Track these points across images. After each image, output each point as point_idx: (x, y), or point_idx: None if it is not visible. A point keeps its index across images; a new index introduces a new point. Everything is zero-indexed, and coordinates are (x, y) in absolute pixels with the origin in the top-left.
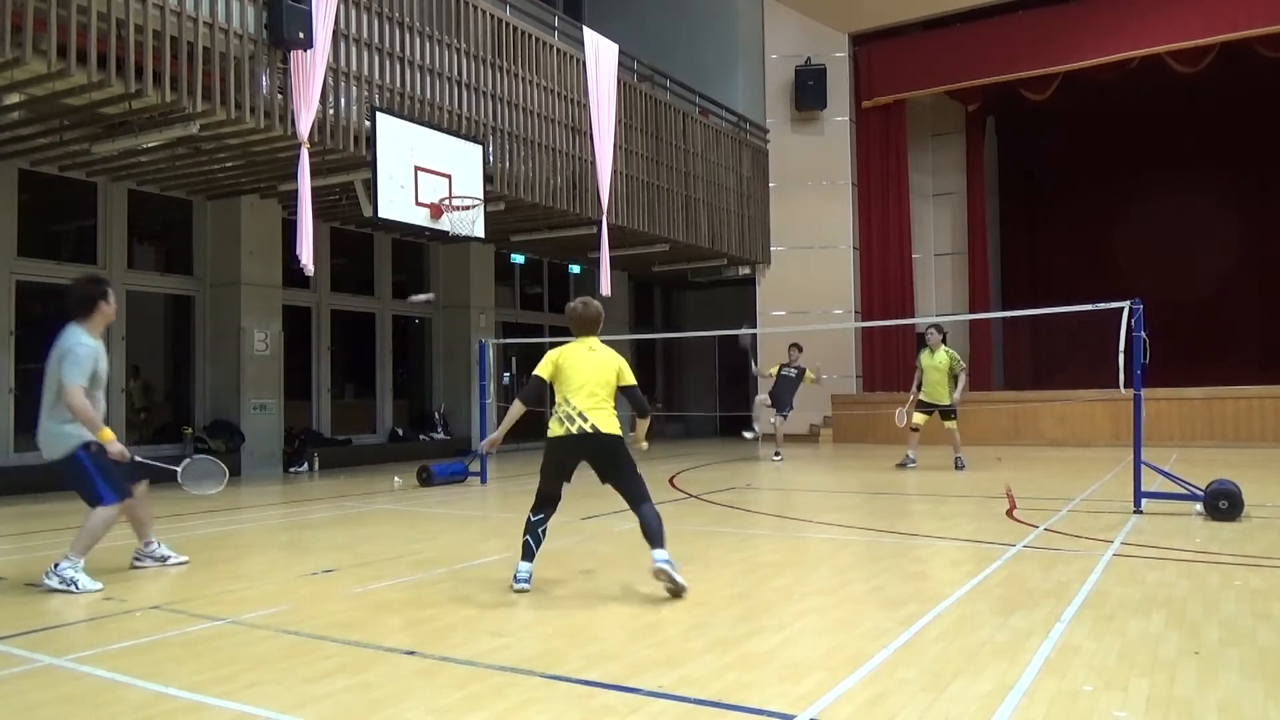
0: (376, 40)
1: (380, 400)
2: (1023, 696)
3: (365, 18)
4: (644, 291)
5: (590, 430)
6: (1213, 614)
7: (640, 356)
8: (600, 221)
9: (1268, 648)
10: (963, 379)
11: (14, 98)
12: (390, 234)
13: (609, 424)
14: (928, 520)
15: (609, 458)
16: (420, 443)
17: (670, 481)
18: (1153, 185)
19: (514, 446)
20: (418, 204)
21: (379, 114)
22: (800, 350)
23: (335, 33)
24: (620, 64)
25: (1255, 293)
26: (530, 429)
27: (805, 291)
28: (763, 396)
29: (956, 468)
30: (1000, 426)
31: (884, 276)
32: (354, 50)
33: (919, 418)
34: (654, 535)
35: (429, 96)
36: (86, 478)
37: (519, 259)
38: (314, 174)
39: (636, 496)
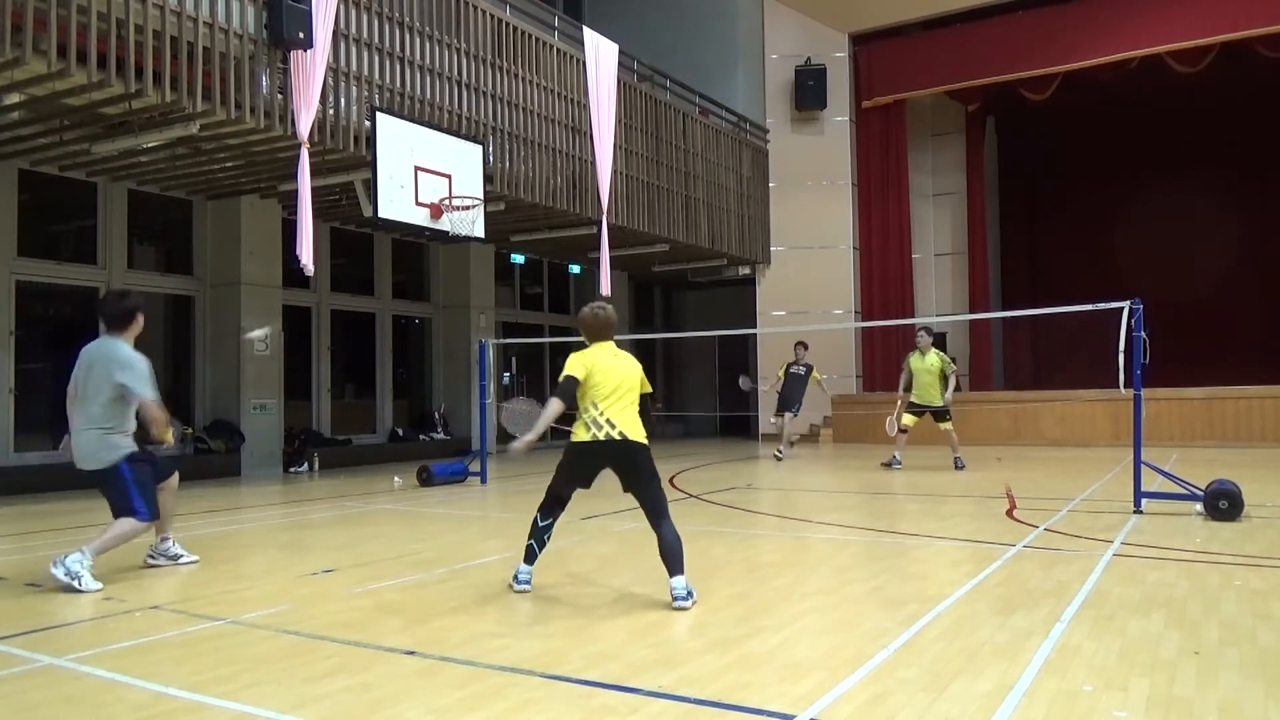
0: (376, 40)
1: (380, 400)
2: (1023, 696)
3: (365, 18)
4: (644, 291)
5: (619, 437)
6: (1213, 614)
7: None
8: (600, 221)
9: (1268, 648)
10: (953, 380)
11: (14, 98)
12: (390, 234)
13: (637, 431)
14: (928, 520)
15: (635, 465)
16: (420, 443)
17: (670, 481)
18: (1153, 185)
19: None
20: (418, 204)
21: (379, 114)
22: (806, 348)
23: (335, 33)
24: (620, 64)
25: (1255, 293)
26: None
27: (805, 291)
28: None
29: (956, 468)
30: (1000, 426)
31: (884, 276)
32: (354, 50)
33: (909, 419)
34: (673, 559)
35: (429, 96)
36: (125, 490)
37: (519, 259)
38: (314, 174)
39: (658, 510)
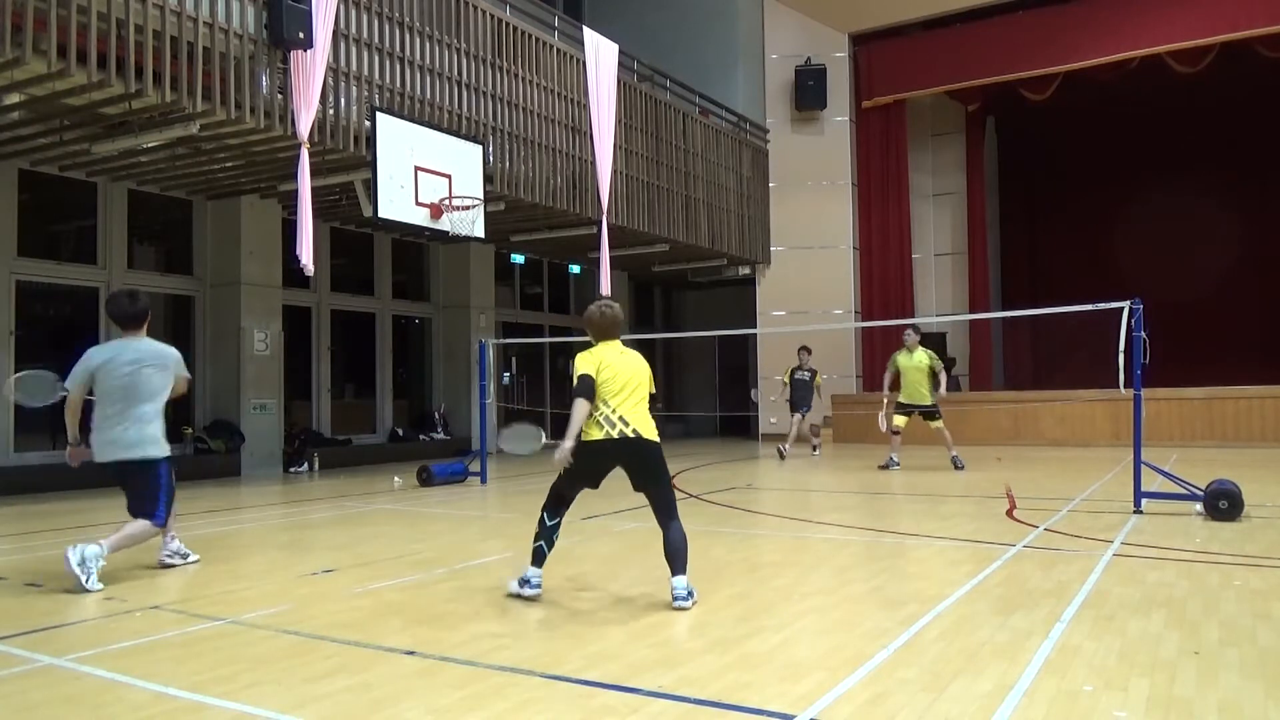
0: (376, 40)
1: (380, 400)
2: (1023, 696)
3: (365, 18)
4: (644, 291)
5: (633, 435)
6: (1213, 614)
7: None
8: (600, 221)
9: (1268, 648)
10: (943, 378)
11: (14, 98)
12: (390, 234)
13: (650, 429)
14: (928, 520)
15: (649, 464)
16: (420, 443)
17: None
18: (1153, 185)
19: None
20: (418, 204)
21: (379, 114)
22: (809, 353)
23: (335, 33)
24: (620, 64)
25: (1255, 293)
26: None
27: (805, 291)
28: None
29: (955, 467)
30: (1000, 426)
31: (884, 276)
32: (354, 50)
33: (899, 420)
34: (677, 558)
35: (429, 96)
36: (156, 491)
37: (519, 259)
38: (314, 174)
39: (669, 510)
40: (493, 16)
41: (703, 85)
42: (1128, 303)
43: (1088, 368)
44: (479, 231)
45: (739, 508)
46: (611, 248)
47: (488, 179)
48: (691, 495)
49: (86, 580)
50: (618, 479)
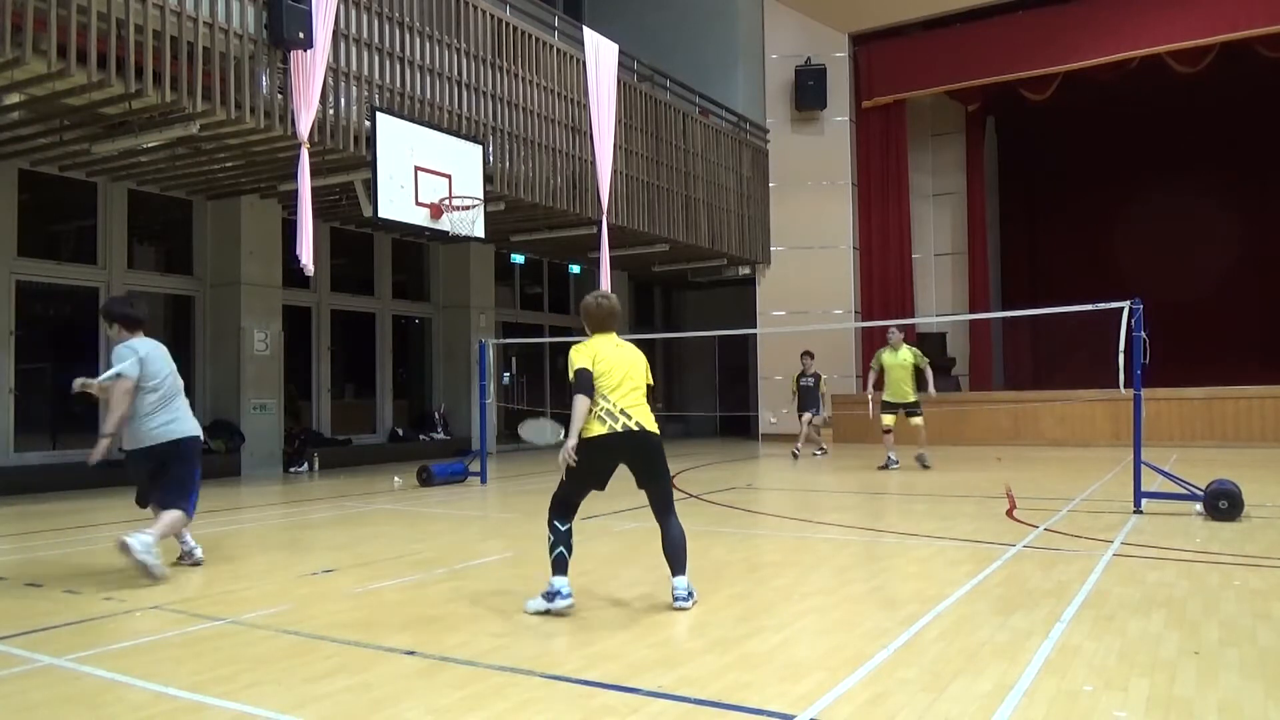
0: (376, 40)
1: (380, 400)
2: (1023, 696)
3: (365, 18)
4: (644, 291)
5: (636, 428)
6: (1213, 614)
7: None
8: (600, 221)
9: (1268, 648)
10: (929, 374)
11: (14, 98)
12: (390, 234)
13: (651, 421)
14: (928, 520)
15: (652, 458)
16: (420, 443)
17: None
18: (1153, 185)
19: (513, 446)
20: (418, 204)
21: (379, 114)
22: (812, 358)
23: (335, 33)
24: (620, 64)
25: (1255, 293)
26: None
27: (805, 291)
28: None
29: (921, 465)
30: (1000, 426)
31: (884, 276)
32: (354, 50)
33: (887, 418)
34: (677, 558)
35: (429, 96)
36: (191, 483)
37: (519, 259)
38: (314, 174)
39: (666, 506)
40: (493, 16)
41: (703, 85)
42: (1128, 303)
43: (1088, 368)
44: (479, 231)
45: (739, 508)
46: (611, 248)
47: (488, 179)
48: (691, 495)
49: (155, 565)
50: (615, 478)
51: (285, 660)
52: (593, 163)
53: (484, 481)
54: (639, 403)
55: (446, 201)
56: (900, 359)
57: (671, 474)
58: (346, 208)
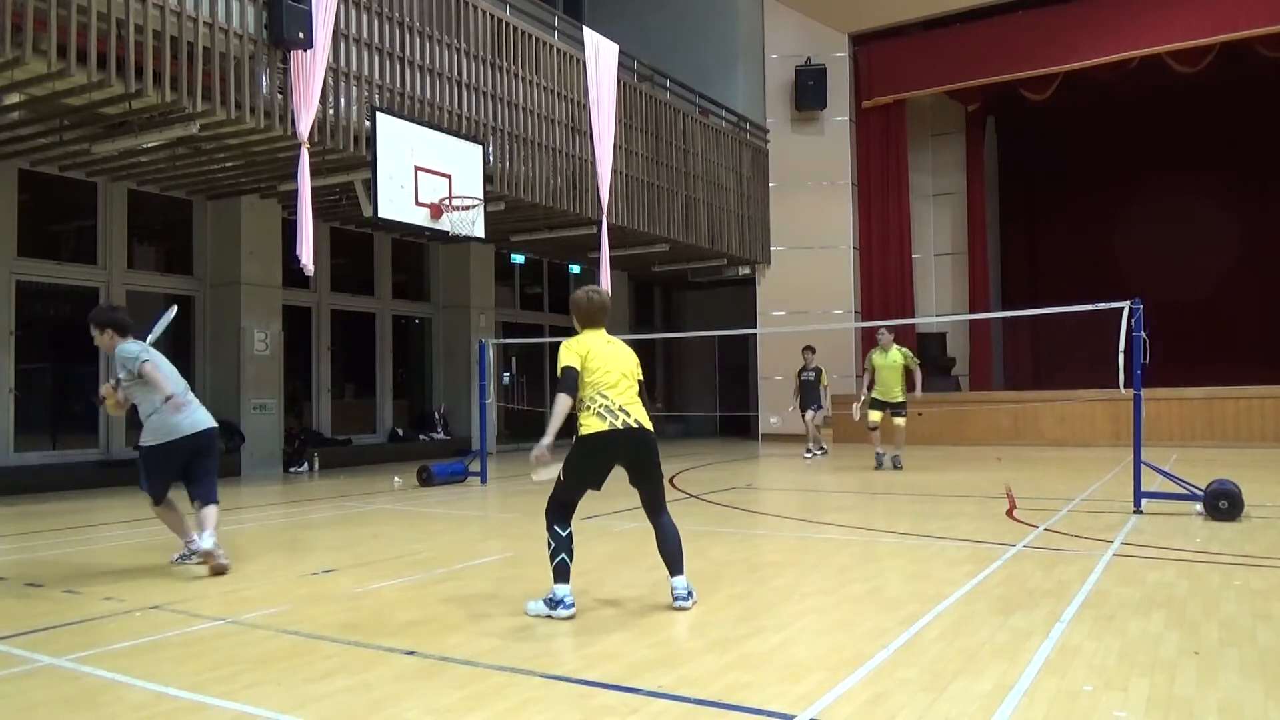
0: (376, 40)
1: (380, 400)
2: (1023, 696)
3: (365, 18)
4: (644, 291)
5: (635, 425)
6: (1213, 614)
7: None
8: (600, 221)
9: (1268, 648)
10: (918, 375)
11: (14, 98)
12: (390, 234)
13: (647, 419)
14: (928, 520)
15: (649, 456)
16: (420, 443)
17: (670, 481)
18: (1153, 185)
19: (514, 446)
20: (418, 204)
21: (379, 114)
22: (813, 352)
23: (335, 33)
24: (620, 64)
25: (1255, 293)
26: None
27: (805, 291)
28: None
29: (894, 466)
30: (1000, 426)
31: (884, 276)
32: (354, 50)
33: (874, 415)
34: (674, 557)
35: (429, 96)
36: (216, 469)
37: (519, 259)
38: (314, 174)
39: (659, 504)
40: (493, 16)
41: (703, 85)
42: (1128, 303)
43: (1088, 368)
44: (479, 231)
45: (739, 508)
46: (611, 248)
47: (488, 179)
48: (691, 495)
49: (225, 559)
50: (610, 478)
51: (285, 660)
52: (593, 163)
53: (484, 481)
54: (635, 399)
55: (446, 201)
56: (890, 360)
57: (671, 475)
58: (346, 208)
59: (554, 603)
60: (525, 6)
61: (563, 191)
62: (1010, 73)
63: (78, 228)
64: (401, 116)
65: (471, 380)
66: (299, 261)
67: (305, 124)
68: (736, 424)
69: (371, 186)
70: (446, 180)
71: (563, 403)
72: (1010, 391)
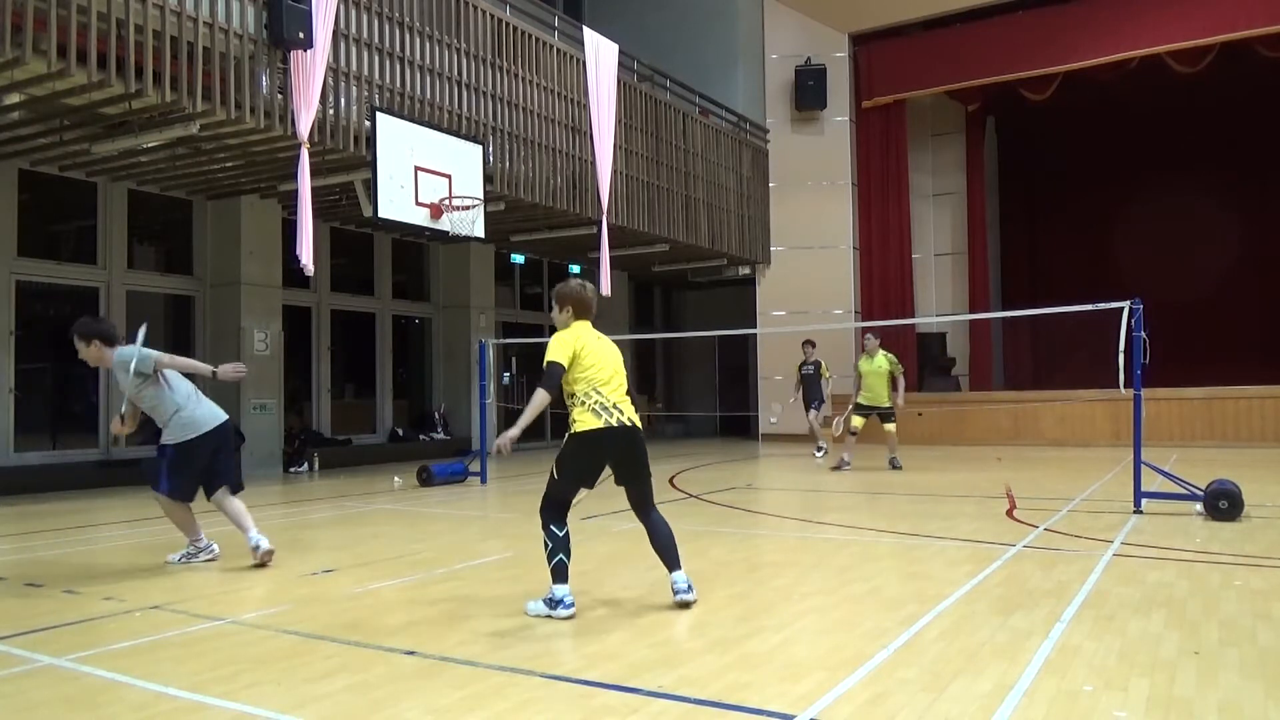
0: (376, 40)
1: (380, 400)
2: (1023, 696)
3: (365, 18)
4: (644, 291)
5: (629, 424)
6: (1213, 614)
7: (640, 356)
8: (600, 221)
9: (1268, 648)
10: (901, 382)
11: (14, 98)
12: (390, 234)
13: (637, 417)
14: (928, 520)
15: (639, 455)
16: (420, 443)
17: (670, 481)
18: (1153, 185)
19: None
20: (418, 204)
21: (379, 114)
22: (814, 346)
23: (335, 33)
24: (620, 64)
25: (1255, 293)
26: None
27: (805, 291)
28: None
29: (892, 467)
30: (1000, 426)
31: (884, 276)
32: (354, 50)
33: (857, 421)
34: (670, 553)
35: (429, 96)
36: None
37: (519, 259)
38: (314, 174)
39: (647, 502)
40: (493, 16)
41: (703, 85)
42: (1128, 303)
43: (1088, 368)
44: (479, 231)
45: (739, 508)
46: (611, 248)
47: (488, 179)
48: (691, 495)
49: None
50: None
51: (285, 660)
52: (593, 163)
53: (484, 481)
54: (626, 396)
55: (446, 201)
56: (875, 366)
57: (671, 475)
58: (346, 208)
59: (554, 603)
60: (525, 6)
61: (563, 191)
62: (1010, 73)
63: (78, 228)
64: (401, 116)
65: (471, 380)
66: (299, 261)
67: (305, 124)
68: (736, 424)
69: (371, 186)
70: (446, 180)
71: (541, 398)
72: (1010, 391)
